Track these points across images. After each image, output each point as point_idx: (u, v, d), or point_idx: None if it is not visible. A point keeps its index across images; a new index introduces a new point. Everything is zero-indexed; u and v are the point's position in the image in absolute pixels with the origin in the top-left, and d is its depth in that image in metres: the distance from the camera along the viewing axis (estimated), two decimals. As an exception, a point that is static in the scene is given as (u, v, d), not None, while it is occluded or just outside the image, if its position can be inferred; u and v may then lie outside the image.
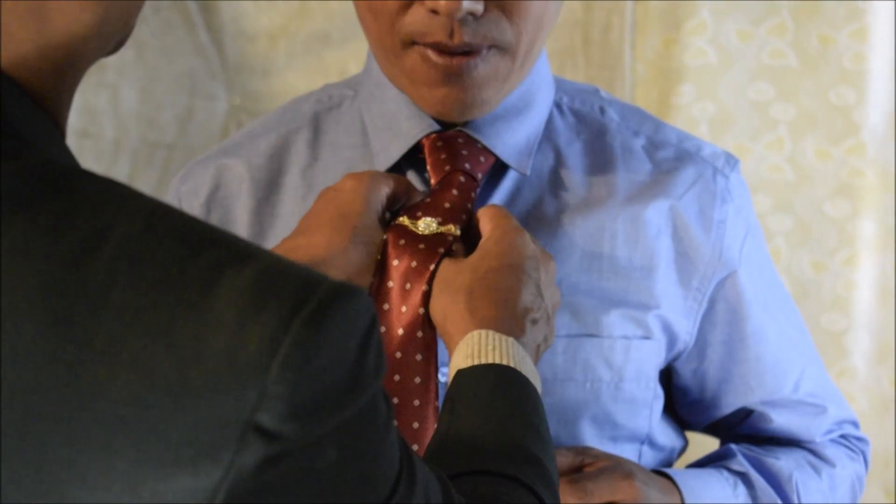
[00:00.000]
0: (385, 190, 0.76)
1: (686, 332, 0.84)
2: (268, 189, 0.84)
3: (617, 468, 0.78)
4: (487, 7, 0.72)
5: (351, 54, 1.75)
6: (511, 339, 0.69)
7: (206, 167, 0.86)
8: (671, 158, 0.85)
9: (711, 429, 0.93)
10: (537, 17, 0.74)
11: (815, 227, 1.63)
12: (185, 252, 0.42)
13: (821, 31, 1.61)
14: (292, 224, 0.78)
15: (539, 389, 0.68)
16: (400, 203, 0.78)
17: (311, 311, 0.42)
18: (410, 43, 0.74)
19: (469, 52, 0.73)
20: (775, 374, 0.87)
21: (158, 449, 0.40)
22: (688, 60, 1.65)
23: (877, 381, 1.62)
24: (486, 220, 0.76)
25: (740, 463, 0.86)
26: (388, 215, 0.78)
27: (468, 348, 0.68)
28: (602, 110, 0.87)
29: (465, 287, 0.71)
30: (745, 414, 0.89)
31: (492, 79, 0.75)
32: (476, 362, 0.67)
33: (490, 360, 0.67)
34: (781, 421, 0.88)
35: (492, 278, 0.71)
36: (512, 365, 0.67)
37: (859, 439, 0.94)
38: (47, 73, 0.48)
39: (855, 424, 0.93)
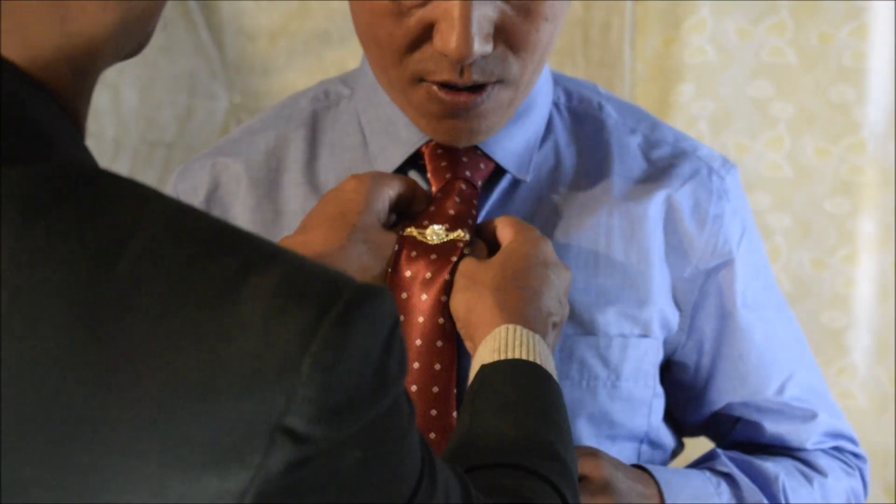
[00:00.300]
0: (388, 191, 0.76)
1: (678, 325, 0.84)
2: (267, 187, 0.84)
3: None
4: (495, 44, 0.71)
5: (351, 53, 1.75)
6: (538, 337, 0.69)
7: (204, 166, 0.86)
8: (667, 156, 0.85)
9: (705, 434, 0.93)
10: (543, 47, 0.74)
11: (814, 225, 1.63)
12: (209, 253, 0.42)
13: (820, 29, 1.61)
14: (296, 223, 0.79)
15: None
16: (405, 204, 0.78)
17: (339, 312, 0.42)
18: (418, 79, 0.73)
19: (476, 87, 0.73)
20: (759, 375, 0.87)
21: (185, 452, 0.40)
22: (687, 59, 1.65)
23: (876, 378, 1.62)
24: (506, 227, 0.77)
25: (724, 464, 0.85)
26: (393, 217, 0.78)
27: (495, 342, 0.69)
28: (600, 107, 0.87)
29: (492, 283, 0.72)
30: (734, 418, 0.89)
31: (498, 108, 0.75)
32: (502, 357, 0.68)
33: (517, 356, 0.67)
34: (771, 427, 0.88)
35: (521, 277, 0.72)
36: (538, 362, 0.68)
37: (857, 456, 0.92)
38: (68, 73, 0.48)
39: (852, 441, 0.92)
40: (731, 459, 0.86)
